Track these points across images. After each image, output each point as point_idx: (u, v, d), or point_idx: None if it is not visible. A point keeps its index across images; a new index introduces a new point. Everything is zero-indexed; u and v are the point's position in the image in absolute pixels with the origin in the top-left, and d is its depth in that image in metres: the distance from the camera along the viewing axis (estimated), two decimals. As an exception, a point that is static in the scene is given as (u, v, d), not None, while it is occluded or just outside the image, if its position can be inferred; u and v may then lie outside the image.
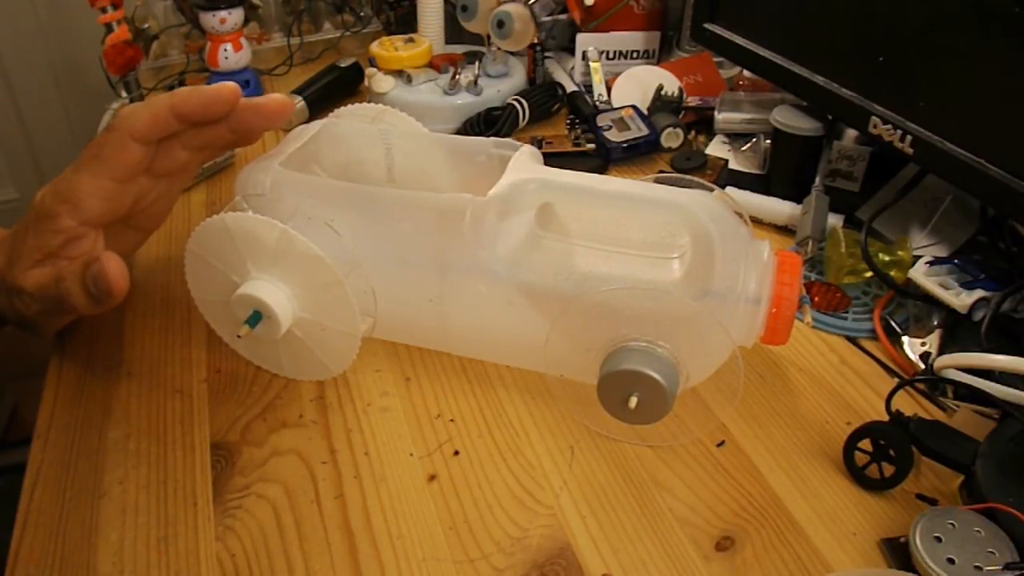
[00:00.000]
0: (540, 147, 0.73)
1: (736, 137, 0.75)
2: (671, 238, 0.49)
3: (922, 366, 0.50)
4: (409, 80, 0.80)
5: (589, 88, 0.84)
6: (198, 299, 0.50)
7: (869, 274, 0.55)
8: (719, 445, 0.46)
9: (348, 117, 0.58)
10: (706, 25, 0.71)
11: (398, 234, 0.48)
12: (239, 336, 0.45)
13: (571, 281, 0.46)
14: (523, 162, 0.48)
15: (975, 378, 0.45)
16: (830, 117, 0.63)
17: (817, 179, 0.63)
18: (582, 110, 0.80)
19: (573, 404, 0.47)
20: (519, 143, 0.51)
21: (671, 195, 0.45)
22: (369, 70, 0.81)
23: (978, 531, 0.37)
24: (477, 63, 0.82)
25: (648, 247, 0.50)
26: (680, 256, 0.49)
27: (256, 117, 0.49)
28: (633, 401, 0.42)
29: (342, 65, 0.87)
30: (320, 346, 0.48)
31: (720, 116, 0.75)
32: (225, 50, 0.87)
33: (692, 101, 0.81)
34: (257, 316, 0.45)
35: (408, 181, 0.56)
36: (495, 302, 0.47)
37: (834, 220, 0.61)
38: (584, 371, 0.45)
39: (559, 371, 0.47)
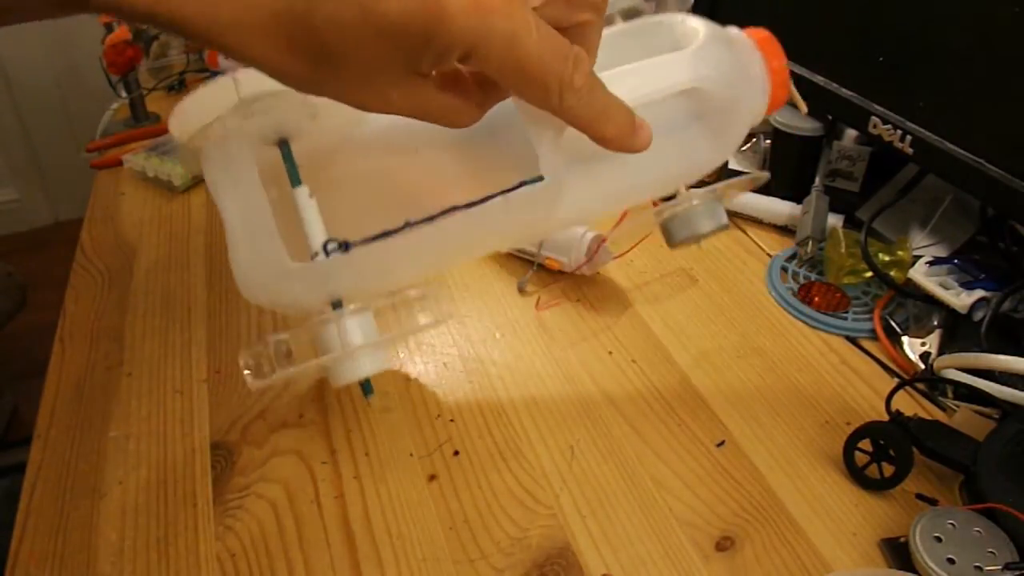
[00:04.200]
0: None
1: (736, 137, 0.75)
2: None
3: (922, 366, 0.50)
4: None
5: (589, 88, 0.83)
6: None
7: (869, 274, 0.55)
8: (719, 445, 0.46)
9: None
10: (706, 25, 0.71)
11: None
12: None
13: None
14: None
15: (975, 378, 0.45)
16: (830, 117, 0.63)
17: (817, 179, 0.62)
18: (582, 110, 0.80)
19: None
20: None
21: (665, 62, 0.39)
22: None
23: (978, 531, 0.37)
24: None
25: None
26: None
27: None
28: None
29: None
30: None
31: (720, 116, 0.74)
32: (225, 50, 0.86)
33: (692, 101, 0.80)
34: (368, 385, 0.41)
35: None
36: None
37: (834, 220, 0.61)
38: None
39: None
